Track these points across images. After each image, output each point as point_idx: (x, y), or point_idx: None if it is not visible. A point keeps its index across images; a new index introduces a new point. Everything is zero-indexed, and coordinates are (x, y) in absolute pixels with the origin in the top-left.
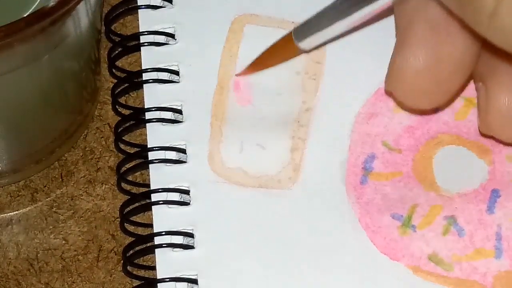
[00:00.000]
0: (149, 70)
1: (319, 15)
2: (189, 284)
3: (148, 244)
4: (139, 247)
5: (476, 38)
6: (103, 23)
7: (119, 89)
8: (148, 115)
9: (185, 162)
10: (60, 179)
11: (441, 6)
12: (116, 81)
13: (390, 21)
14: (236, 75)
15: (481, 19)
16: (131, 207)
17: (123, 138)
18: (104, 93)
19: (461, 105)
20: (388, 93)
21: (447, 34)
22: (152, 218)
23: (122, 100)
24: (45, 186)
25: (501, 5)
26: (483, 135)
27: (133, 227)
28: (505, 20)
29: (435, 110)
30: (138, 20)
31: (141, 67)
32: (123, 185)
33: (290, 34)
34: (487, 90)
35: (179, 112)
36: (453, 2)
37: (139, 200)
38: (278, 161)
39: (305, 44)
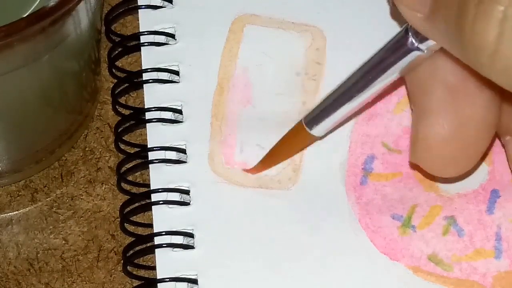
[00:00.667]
0: (149, 70)
1: (327, 100)
2: (189, 284)
3: (148, 244)
4: (139, 247)
5: (495, 94)
6: (103, 23)
7: (119, 89)
8: (148, 115)
9: (185, 162)
10: (60, 179)
11: (454, 66)
12: (116, 81)
13: (390, 22)
14: (249, 171)
15: (483, 60)
16: (131, 207)
17: (123, 138)
18: (104, 93)
19: None
20: (413, 165)
21: (466, 96)
22: (152, 218)
23: (122, 100)
24: (45, 186)
25: (502, 43)
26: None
27: (133, 227)
28: (508, 59)
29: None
30: (138, 20)
31: (141, 67)
32: (123, 185)
33: (301, 123)
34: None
35: (179, 112)
36: (454, 46)
37: (139, 200)
38: None
39: (317, 130)
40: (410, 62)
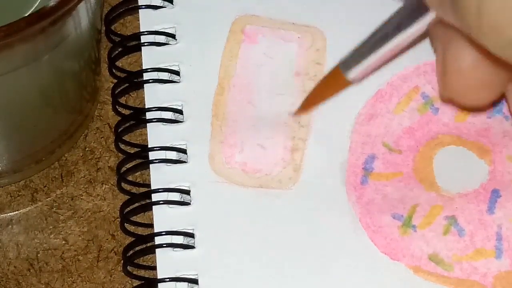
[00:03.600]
0: (149, 70)
1: (363, 44)
2: (189, 284)
3: (148, 244)
4: (139, 247)
5: None
6: (103, 23)
7: (119, 89)
8: (149, 115)
9: (185, 162)
10: (60, 179)
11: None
12: (116, 81)
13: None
14: (294, 115)
15: (470, 20)
16: (131, 207)
17: (123, 138)
18: (104, 93)
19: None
20: (446, 100)
21: None
22: (152, 218)
23: (122, 100)
24: (45, 186)
25: (484, 3)
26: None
27: (133, 227)
28: (493, 16)
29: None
30: (138, 20)
31: (141, 67)
32: (123, 185)
33: (337, 67)
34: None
35: (180, 112)
36: (448, 12)
37: (139, 200)
38: (279, 161)
39: (353, 74)
40: None
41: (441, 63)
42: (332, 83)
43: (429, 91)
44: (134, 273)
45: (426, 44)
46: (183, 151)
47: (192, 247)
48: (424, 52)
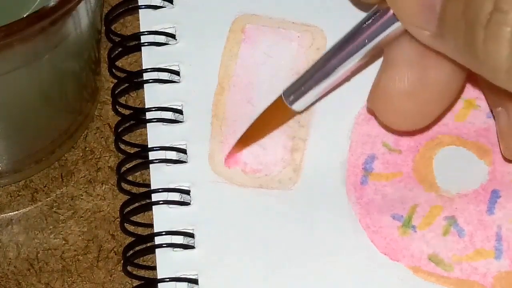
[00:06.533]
0: (149, 70)
1: (306, 75)
2: (189, 284)
3: (148, 244)
4: (139, 247)
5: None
6: (103, 23)
7: (119, 89)
8: (149, 115)
9: (185, 162)
10: (60, 179)
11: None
12: (116, 81)
13: None
14: (226, 157)
15: (500, 76)
16: (131, 207)
17: (123, 138)
18: (104, 93)
19: (460, 107)
20: (370, 111)
21: (434, 59)
22: (152, 218)
23: (122, 100)
24: (45, 186)
25: None
26: (506, 159)
27: (133, 227)
28: None
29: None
30: (138, 20)
31: (141, 67)
32: (123, 185)
33: (280, 98)
34: (510, 115)
35: (180, 112)
36: (467, 61)
37: (139, 200)
38: (279, 161)
39: (297, 105)
40: (390, 33)
41: (378, 74)
42: (277, 114)
43: None
44: (134, 273)
45: None
46: (183, 151)
47: (192, 247)
48: None
